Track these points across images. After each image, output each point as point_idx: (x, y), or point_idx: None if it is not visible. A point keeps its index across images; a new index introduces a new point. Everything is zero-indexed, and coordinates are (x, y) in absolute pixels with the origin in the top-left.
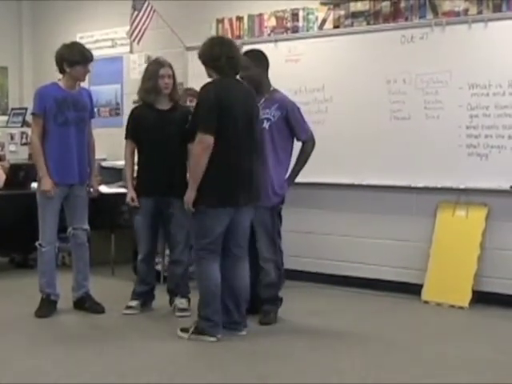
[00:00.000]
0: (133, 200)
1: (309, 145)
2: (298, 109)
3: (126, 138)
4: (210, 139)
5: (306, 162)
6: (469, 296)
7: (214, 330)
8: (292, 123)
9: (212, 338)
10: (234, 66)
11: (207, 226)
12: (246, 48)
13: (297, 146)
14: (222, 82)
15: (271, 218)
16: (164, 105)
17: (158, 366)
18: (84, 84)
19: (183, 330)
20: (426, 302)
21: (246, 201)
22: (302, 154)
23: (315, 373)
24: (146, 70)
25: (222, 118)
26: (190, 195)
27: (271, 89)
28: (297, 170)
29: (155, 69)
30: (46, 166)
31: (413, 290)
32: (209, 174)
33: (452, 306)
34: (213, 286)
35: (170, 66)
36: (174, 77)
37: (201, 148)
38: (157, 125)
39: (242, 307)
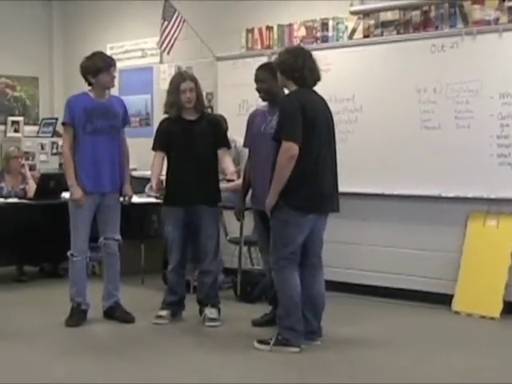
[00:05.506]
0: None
1: None
2: None
3: (154, 149)
4: (295, 148)
5: None
6: (500, 307)
7: (298, 341)
8: None
9: (296, 349)
10: (314, 78)
11: (289, 235)
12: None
13: None
14: (303, 92)
15: None
16: (191, 115)
17: (187, 376)
18: (113, 93)
19: (261, 342)
20: (456, 313)
21: (330, 209)
22: None
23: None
24: (170, 83)
25: (306, 129)
26: (271, 201)
27: None
28: None
29: (176, 83)
30: (77, 176)
31: (443, 300)
32: (293, 182)
33: (483, 317)
34: (296, 295)
35: (193, 79)
36: (197, 89)
37: (286, 157)
38: (184, 135)
39: (320, 316)
